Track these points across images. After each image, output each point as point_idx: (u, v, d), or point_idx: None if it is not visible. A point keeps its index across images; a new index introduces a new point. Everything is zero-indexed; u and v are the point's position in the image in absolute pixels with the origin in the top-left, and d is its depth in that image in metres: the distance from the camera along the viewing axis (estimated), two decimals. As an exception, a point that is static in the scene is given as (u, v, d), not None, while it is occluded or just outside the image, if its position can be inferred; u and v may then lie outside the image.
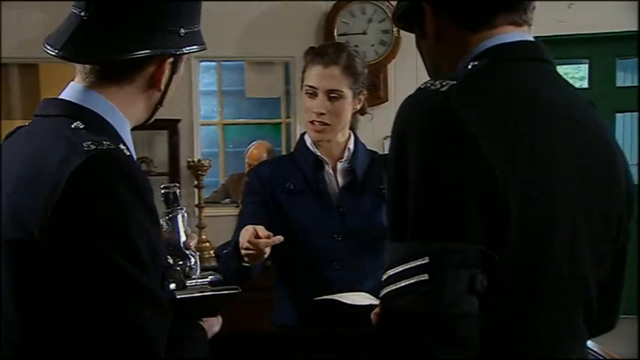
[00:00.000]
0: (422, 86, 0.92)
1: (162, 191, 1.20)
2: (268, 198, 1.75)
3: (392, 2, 3.58)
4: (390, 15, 3.57)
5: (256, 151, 4.20)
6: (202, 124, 4.55)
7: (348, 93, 1.71)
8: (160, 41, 1.05)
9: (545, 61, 1.00)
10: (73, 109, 1.03)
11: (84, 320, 0.91)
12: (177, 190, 1.22)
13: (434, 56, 1.06)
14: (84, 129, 1.00)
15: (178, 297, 1.13)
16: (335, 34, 3.67)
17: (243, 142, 4.68)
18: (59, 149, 0.95)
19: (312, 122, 1.71)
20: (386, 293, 0.87)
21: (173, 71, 1.11)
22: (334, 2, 3.70)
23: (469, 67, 0.97)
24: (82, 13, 1.03)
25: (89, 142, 0.95)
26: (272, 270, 1.81)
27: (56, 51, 1.03)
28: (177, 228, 1.19)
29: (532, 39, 1.00)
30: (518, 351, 0.91)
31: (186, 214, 1.22)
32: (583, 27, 4.08)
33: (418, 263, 0.84)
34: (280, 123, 4.71)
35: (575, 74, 4.90)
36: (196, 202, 3.56)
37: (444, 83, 0.89)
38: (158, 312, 0.95)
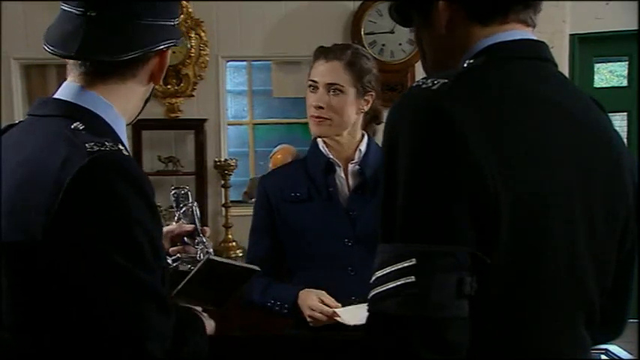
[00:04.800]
0: (414, 84, 0.90)
1: (173, 191, 1.34)
2: (273, 211, 1.73)
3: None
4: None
5: (281, 156, 3.99)
6: (232, 124, 4.59)
7: (349, 89, 1.67)
8: (164, 34, 1.06)
9: (547, 60, 0.97)
10: (71, 110, 1.03)
11: (88, 321, 0.92)
12: (188, 191, 1.34)
13: (437, 47, 1.02)
14: (84, 130, 0.99)
15: (211, 258, 1.18)
16: (362, 33, 3.65)
17: (274, 142, 4.67)
18: (61, 150, 0.95)
19: (312, 117, 1.69)
20: (373, 295, 0.86)
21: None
22: (361, 1, 3.67)
23: (465, 65, 0.95)
24: (90, 13, 1.02)
25: (92, 144, 0.95)
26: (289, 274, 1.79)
27: (72, 53, 1.03)
28: (194, 219, 1.32)
29: (535, 38, 0.97)
30: (515, 354, 0.89)
31: (197, 209, 1.33)
32: (621, 24, 3.97)
33: (405, 265, 0.82)
34: (310, 123, 4.67)
35: (623, 72, 4.71)
36: (223, 201, 3.59)
37: (435, 81, 0.87)
38: (162, 309, 0.96)
